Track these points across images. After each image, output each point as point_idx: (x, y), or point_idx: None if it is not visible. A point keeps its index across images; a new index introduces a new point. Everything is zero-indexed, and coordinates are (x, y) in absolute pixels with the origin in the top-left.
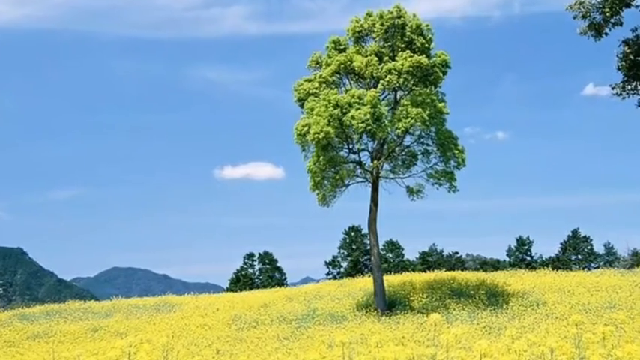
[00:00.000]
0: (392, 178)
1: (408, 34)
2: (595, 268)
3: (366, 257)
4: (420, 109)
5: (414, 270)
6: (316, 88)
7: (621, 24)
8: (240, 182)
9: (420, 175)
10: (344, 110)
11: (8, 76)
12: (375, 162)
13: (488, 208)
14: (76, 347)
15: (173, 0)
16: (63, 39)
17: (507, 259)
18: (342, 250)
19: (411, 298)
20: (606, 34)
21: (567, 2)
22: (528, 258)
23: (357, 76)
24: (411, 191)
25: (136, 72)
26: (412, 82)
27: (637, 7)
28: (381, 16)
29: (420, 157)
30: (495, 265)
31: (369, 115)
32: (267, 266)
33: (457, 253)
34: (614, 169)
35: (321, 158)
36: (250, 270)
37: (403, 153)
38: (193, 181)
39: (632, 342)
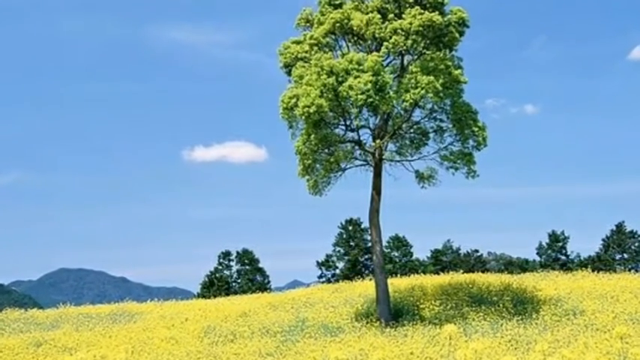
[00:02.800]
0: (398, 161)
1: None
2: None
3: (366, 256)
4: (431, 78)
5: (424, 272)
6: (306, 52)
7: None
8: (215, 165)
9: (432, 157)
10: (340, 79)
11: None
12: (378, 141)
13: (515, 198)
14: None
15: None
16: None
17: (538, 258)
18: (338, 248)
19: (421, 306)
20: None
21: None
22: (563, 257)
23: (355, 38)
24: (421, 176)
25: (87, 32)
26: (422, 45)
27: None
28: None
29: (431, 135)
30: (523, 266)
31: (370, 85)
32: (247, 267)
33: (477, 251)
34: None
35: (312, 137)
36: (226, 272)
37: (411, 130)
38: (158, 165)
39: None
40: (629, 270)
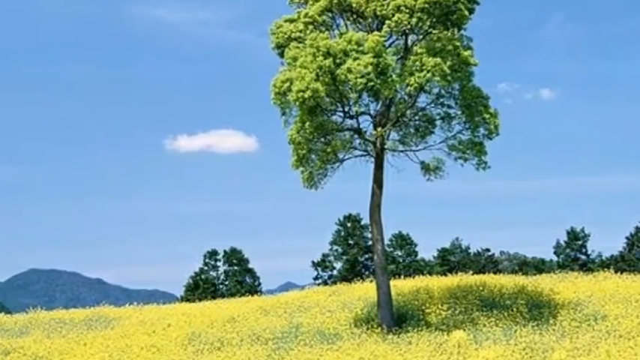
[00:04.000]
0: (401, 151)
1: None
2: None
3: (366, 256)
4: (438, 59)
5: (430, 273)
6: (301, 32)
7: None
8: (200, 156)
9: (439, 146)
10: (337, 61)
11: None
12: (379, 129)
13: (530, 192)
14: None
15: None
16: None
17: (555, 258)
18: (335, 247)
19: (427, 311)
20: None
21: None
22: (583, 257)
23: (355, 16)
24: (426, 168)
25: (62, 11)
26: (428, 24)
27: None
28: None
29: (438, 122)
30: (539, 267)
31: (370, 67)
32: (236, 268)
33: (488, 250)
34: None
35: (307, 124)
36: (213, 273)
37: (416, 117)
38: (138, 155)
39: None
40: None
